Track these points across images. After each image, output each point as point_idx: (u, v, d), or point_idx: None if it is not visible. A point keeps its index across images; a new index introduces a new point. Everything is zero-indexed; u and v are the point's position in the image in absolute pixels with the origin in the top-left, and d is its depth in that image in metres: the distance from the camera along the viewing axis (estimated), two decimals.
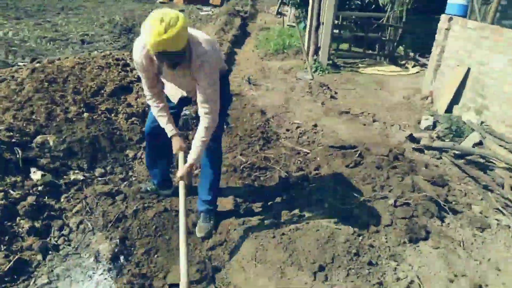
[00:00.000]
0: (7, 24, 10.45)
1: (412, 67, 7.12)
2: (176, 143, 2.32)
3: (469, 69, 4.55)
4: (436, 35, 5.32)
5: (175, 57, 1.86)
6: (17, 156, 2.71)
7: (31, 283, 2.02)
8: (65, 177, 2.88)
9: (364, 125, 4.38)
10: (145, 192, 2.85)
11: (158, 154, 2.69)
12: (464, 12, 5.07)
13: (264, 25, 11.33)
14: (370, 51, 7.63)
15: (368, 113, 4.73)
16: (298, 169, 3.41)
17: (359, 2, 7.95)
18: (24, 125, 3.07)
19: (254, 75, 6.50)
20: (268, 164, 3.44)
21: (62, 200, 2.67)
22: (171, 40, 1.74)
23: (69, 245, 2.33)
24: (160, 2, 18.72)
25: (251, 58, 8.36)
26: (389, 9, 7.21)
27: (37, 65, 4.01)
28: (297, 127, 4.25)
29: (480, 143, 3.79)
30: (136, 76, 4.26)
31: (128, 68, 4.35)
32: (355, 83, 6.19)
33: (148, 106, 2.60)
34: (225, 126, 2.67)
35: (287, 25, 10.52)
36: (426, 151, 3.77)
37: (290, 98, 4.98)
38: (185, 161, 2.23)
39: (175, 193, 2.89)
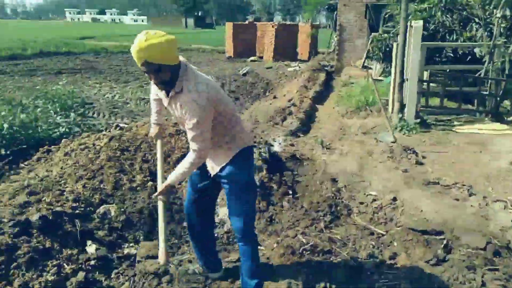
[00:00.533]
0: (116, 87, 11.93)
1: None
2: (154, 129, 2.64)
3: None
4: None
5: (156, 71, 1.93)
6: (76, 227, 2.78)
7: None
8: (119, 250, 2.87)
9: (457, 200, 3.69)
10: (193, 274, 2.67)
11: (199, 234, 2.55)
12: None
13: (349, 79, 11.06)
14: (467, 107, 6.78)
15: (463, 184, 4.01)
16: (369, 255, 2.92)
17: (452, 55, 7.25)
18: (91, 194, 3.20)
19: (330, 136, 6.18)
20: (334, 246, 3.02)
21: (112, 275, 2.62)
22: (150, 48, 1.84)
23: None
24: (251, 61, 19.90)
25: (331, 115, 8.09)
26: (487, 61, 6.40)
27: (116, 132, 4.30)
28: (373, 200, 3.76)
29: None
30: None
31: None
32: (448, 144, 5.44)
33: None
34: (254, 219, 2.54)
35: (373, 79, 10.08)
36: None
37: (367, 163, 4.52)
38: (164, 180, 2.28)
39: (226, 277, 2.68)
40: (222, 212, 3.40)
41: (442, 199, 3.69)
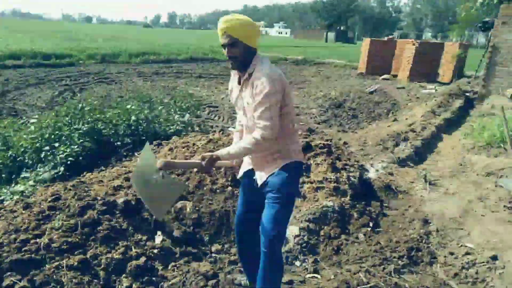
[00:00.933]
0: None
1: None
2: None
3: None
4: None
5: (232, 45, 2.06)
6: (152, 217, 3.11)
7: None
8: (183, 246, 3.10)
9: None
10: (239, 286, 2.72)
11: (248, 248, 2.55)
12: None
13: (491, 109, 9.56)
14: None
15: None
16: None
17: None
18: None
19: (444, 171, 5.46)
20: None
21: (169, 267, 2.86)
22: (234, 22, 2.04)
23: None
24: (383, 79, 18.91)
25: (455, 148, 7.12)
26: None
27: (216, 136, 4.64)
28: (466, 254, 3.20)
29: None
30: None
31: None
32: None
33: None
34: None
35: (503, 112, 8.50)
36: None
37: (473, 210, 3.85)
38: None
39: None
40: (288, 231, 3.35)
41: None
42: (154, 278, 2.70)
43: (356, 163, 4.79)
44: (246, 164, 2.45)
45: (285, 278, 2.87)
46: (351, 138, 7.42)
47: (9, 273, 2.27)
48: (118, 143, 5.00)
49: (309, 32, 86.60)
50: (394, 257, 3.12)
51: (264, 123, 2.03)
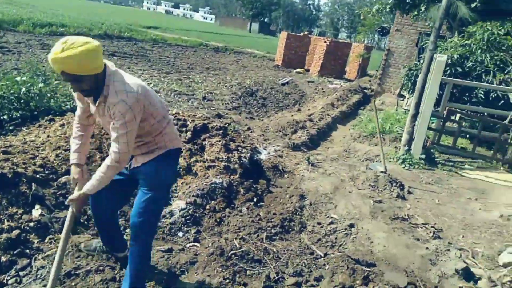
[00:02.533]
0: (156, 76, 12.53)
1: None
2: (74, 171, 2.30)
3: None
4: None
5: (75, 81, 1.91)
6: (31, 191, 3.05)
7: None
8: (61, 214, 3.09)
9: (417, 240, 3.54)
10: (94, 249, 2.75)
11: (104, 223, 2.57)
12: None
13: (381, 105, 10.78)
14: (485, 152, 6.37)
15: (433, 227, 3.83)
16: (296, 273, 2.92)
17: (483, 96, 6.85)
18: (59, 164, 3.49)
19: (332, 156, 6.12)
20: (266, 257, 3.05)
21: (46, 240, 2.85)
22: (67, 61, 1.80)
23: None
24: (296, 72, 19.94)
25: (346, 137, 7.96)
26: None
27: None
28: (330, 223, 3.71)
29: None
30: (186, 138, 4.46)
31: (183, 129, 4.59)
32: (446, 186, 5.18)
33: None
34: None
35: (403, 109, 9.78)
36: None
37: (344, 187, 4.44)
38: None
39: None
40: (174, 205, 3.54)
41: (400, 236, 3.55)
42: (27, 251, 2.69)
43: (250, 145, 5.14)
44: None
45: (165, 247, 3.06)
46: (256, 124, 7.83)
47: None
48: (4, 117, 4.67)
49: (234, 20, 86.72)
50: (269, 227, 3.49)
51: (119, 147, 2.04)
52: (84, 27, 20.77)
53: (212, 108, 9.27)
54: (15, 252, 2.62)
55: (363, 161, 5.92)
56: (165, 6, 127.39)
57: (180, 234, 3.31)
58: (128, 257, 2.36)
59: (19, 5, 29.33)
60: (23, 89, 4.99)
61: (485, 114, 6.75)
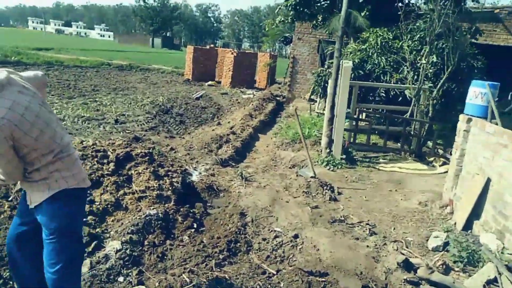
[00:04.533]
0: (58, 103, 11.41)
1: (441, 165, 6.37)
2: None
3: (489, 180, 3.83)
4: (455, 137, 4.72)
5: None
6: None
7: None
8: None
9: (357, 239, 3.72)
10: None
11: (23, 275, 2.21)
12: (484, 113, 4.47)
13: (294, 111, 11.27)
14: (394, 145, 7.05)
15: (367, 224, 4.07)
16: None
17: (384, 94, 7.58)
18: None
19: (261, 167, 6.18)
20: (219, 287, 2.90)
21: None
22: None
23: None
24: (208, 85, 19.93)
25: (269, 145, 8.13)
26: (413, 103, 6.75)
27: None
28: (275, 237, 3.71)
29: (494, 280, 2.96)
30: (109, 170, 4.10)
31: (105, 161, 4.22)
32: (368, 181, 5.58)
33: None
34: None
35: (316, 112, 10.37)
36: (422, 286, 3.00)
37: (280, 198, 4.50)
38: None
39: None
40: (108, 247, 3.20)
41: (342, 238, 3.70)
42: None
43: (179, 168, 4.93)
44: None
45: None
46: (178, 143, 7.57)
47: None
48: None
49: (134, 36, 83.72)
50: (216, 252, 3.35)
51: None
52: None
53: (127, 131, 8.73)
54: None
55: (290, 168, 6.08)
56: (55, 25, 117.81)
57: (121, 279, 2.99)
58: None
59: None
60: None
61: (385, 111, 7.48)
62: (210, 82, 20.36)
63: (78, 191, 2.10)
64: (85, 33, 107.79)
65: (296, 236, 3.69)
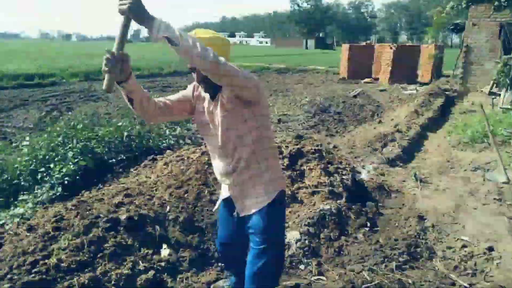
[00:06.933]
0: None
1: None
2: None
3: None
4: None
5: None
6: (156, 231, 3.14)
7: None
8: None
9: None
10: None
11: (235, 271, 2.48)
12: None
13: (471, 106, 9.90)
14: None
15: None
16: None
17: None
18: (174, 201, 3.57)
19: (433, 168, 5.64)
20: None
21: (177, 279, 2.88)
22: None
23: None
24: (365, 82, 19.30)
25: (441, 145, 7.34)
26: None
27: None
28: (463, 247, 3.32)
29: None
30: (284, 165, 4.37)
31: (280, 156, 4.52)
32: None
33: None
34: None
35: (500, 108, 8.85)
36: None
37: (465, 204, 4.00)
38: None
39: None
40: (289, 235, 3.42)
41: None
42: None
43: (347, 166, 4.90)
44: (224, 190, 2.11)
45: (291, 282, 2.93)
46: (340, 141, 7.56)
47: None
48: (113, 160, 5.00)
49: (289, 40, 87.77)
50: (395, 255, 3.21)
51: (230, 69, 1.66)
52: (155, 68, 22.18)
53: (289, 130, 9.19)
54: None
55: (473, 170, 5.35)
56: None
57: (302, 267, 3.16)
58: None
59: (100, 56, 32.53)
60: (125, 133, 5.32)
61: None
62: (366, 80, 19.68)
63: (284, 193, 2.10)
64: (246, 41, 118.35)
65: (491, 249, 3.22)
